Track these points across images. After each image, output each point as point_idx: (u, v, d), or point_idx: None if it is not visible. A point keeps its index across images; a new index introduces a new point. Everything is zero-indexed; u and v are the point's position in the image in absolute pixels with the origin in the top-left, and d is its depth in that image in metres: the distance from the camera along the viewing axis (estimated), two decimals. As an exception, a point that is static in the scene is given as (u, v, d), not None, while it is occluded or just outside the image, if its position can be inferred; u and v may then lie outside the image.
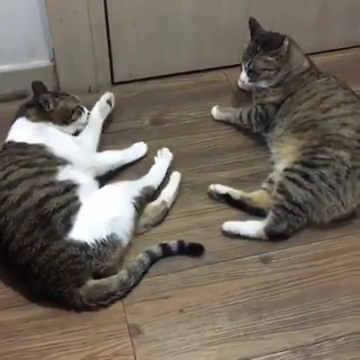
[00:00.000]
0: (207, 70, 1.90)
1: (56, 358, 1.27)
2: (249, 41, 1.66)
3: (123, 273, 1.35)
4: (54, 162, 1.41)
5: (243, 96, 1.80)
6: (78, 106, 1.61)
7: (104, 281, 1.33)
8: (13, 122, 1.55)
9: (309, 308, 1.34)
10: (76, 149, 1.51)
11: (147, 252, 1.39)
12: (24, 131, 1.51)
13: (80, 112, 1.60)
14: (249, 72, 1.65)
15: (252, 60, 1.63)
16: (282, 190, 1.46)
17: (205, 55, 1.88)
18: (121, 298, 1.34)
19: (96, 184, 1.48)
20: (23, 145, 1.46)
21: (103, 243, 1.32)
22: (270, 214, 1.46)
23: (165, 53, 1.85)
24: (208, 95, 1.83)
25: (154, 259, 1.39)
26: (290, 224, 1.45)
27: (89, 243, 1.31)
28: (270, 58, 1.62)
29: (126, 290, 1.34)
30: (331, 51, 1.94)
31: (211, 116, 1.77)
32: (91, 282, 1.32)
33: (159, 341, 1.29)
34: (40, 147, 1.45)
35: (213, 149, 1.69)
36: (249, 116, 1.68)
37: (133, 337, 1.30)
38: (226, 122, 1.75)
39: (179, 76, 1.88)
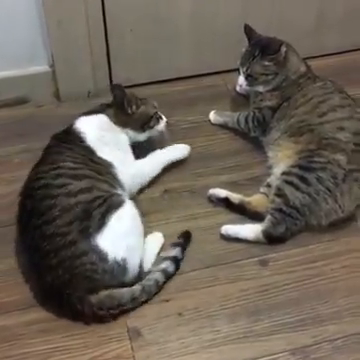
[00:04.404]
0: (205, 75, 1.91)
1: (57, 361, 1.28)
2: (247, 46, 1.68)
3: (136, 289, 1.33)
4: (115, 180, 1.44)
5: (241, 100, 1.82)
6: (156, 112, 1.59)
7: (116, 292, 1.31)
8: (89, 114, 1.54)
9: (307, 310, 1.36)
10: (131, 170, 1.52)
11: (163, 271, 1.37)
12: (101, 130, 1.50)
13: (158, 119, 1.59)
14: (247, 77, 1.67)
15: (250, 65, 1.65)
16: (280, 193, 1.47)
17: (203, 60, 1.89)
18: (130, 310, 1.33)
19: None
20: (89, 149, 1.45)
21: (118, 263, 1.31)
22: (268, 217, 1.47)
23: (163, 58, 1.86)
24: (206, 100, 1.84)
25: (168, 277, 1.38)
26: (288, 227, 1.47)
27: (110, 256, 1.30)
28: (268, 63, 1.64)
29: (137, 304, 1.33)
30: (327, 55, 1.95)
31: (209, 120, 1.78)
32: (103, 292, 1.31)
33: (159, 344, 1.30)
34: (105, 161, 1.45)
35: (211, 153, 1.70)
36: (246, 120, 1.70)
37: (133, 340, 1.31)
38: (224, 126, 1.77)
39: (177, 81, 1.89)
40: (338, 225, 1.50)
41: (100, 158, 1.45)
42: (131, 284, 1.34)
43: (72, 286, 1.29)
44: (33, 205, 1.35)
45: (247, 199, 1.54)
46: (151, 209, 1.52)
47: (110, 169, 1.45)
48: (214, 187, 1.57)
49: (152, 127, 1.58)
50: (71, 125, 1.52)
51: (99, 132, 1.50)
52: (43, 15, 1.68)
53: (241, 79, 1.69)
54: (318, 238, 1.49)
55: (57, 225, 1.30)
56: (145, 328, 1.33)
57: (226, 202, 1.55)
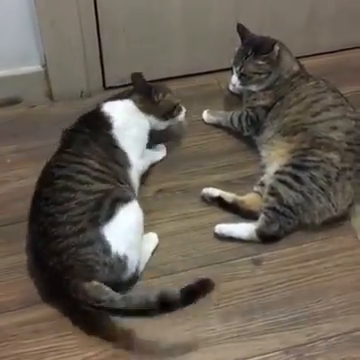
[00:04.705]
0: (198, 74, 1.91)
1: (50, 362, 1.28)
2: (240, 45, 1.68)
3: (117, 295, 1.26)
4: (130, 187, 1.46)
5: (234, 99, 1.82)
6: (178, 103, 1.63)
7: (102, 287, 1.29)
8: (116, 99, 1.56)
9: (301, 309, 1.36)
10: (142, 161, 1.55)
11: (161, 293, 1.23)
12: (128, 114, 1.52)
13: (180, 109, 1.63)
14: (240, 76, 1.67)
15: (243, 64, 1.65)
16: (273, 192, 1.47)
17: (196, 59, 1.89)
18: (108, 313, 1.30)
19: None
20: (113, 138, 1.46)
21: (119, 259, 1.31)
22: (262, 216, 1.47)
23: (156, 57, 1.86)
24: (199, 99, 1.84)
25: (165, 303, 1.22)
26: (281, 226, 1.47)
27: (113, 250, 1.30)
28: (261, 62, 1.64)
29: (114, 310, 1.26)
30: (319, 54, 1.95)
31: (202, 120, 1.78)
32: (95, 282, 1.29)
33: (152, 343, 1.30)
34: (123, 154, 1.46)
35: (205, 152, 1.70)
36: (240, 119, 1.70)
37: (127, 340, 1.30)
38: (217, 125, 1.76)
39: (170, 80, 1.88)
40: (331, 224, 1.50)
41: (120, 149, 1.46)
42: (126, 284, 1.34)
43: (72, 273, 1.28)
44: (51, 194, 1.35)
45: (240, 198, 1.54)
46: (144, 209, 1.50)
47: (127, 170, 1.46)
48: (207, 186, 1.57)
49: (174, 116, 1.62)
50: (98, 108, 1.53)
51: (126, 116, 1.52)
52: (35, 15, 1.67)
53: (234, 78, 1.69)
54: (311, 237, 1.49)
55: (70, 215, 1.31)
56: (139, 327, 1.32)
57: (219, 201, 1.55)
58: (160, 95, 1.57)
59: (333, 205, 1.48)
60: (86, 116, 1.53)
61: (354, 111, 1.58)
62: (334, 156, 1.48)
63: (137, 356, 1.29)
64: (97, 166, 1.40)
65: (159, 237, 1.48)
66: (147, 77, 1.87)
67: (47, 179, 1.40)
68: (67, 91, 1.79)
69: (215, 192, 1.56)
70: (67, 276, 1.29)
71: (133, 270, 1.35)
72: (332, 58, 1.95)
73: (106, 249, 1.30)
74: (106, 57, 1.82)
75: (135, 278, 1.37)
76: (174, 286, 1.37)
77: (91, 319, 1.32)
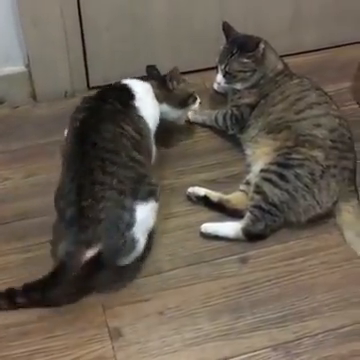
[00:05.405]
0: (183, 73, 1.89)
1: (38, 364, 1.27)
2: (225, 43, 1.69)
3: None
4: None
5: (219, 98, 1.82)
6: (194, 92, 1.65)
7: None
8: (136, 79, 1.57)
9: (288, 306, 1.36)
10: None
11: None
12: (146, 95, 1.54)
13: (195, 99, 1.65)
14: (225, 74, 1.67)
15: (228, 62, 1.65)
16: (259, 191, 1.48)
17: (181, 58, 1.88)
18: None
19: None
20: (136, 110, 1.46)
21: (133, 239, 1.31)
22: (247, 215, 1.48)
23: (140, 57, 1.85)
24: (184, 98, 1.84)
25: None
26: (267, 224, 1.47)
27: (134, 228, 1.30)
28: (246, 60, 1.64)
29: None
30: (304, 53, 1.96)
31: (188, 119, 1.78)
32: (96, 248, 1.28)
33: (140, 343, 1.30)
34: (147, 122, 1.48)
35: (190, 151, 1.70)
36: (224, 118, 1.70)
37: (114, 340, 1.30)
38: (202, 124, 1.77)
39: (155, 80, 1.89)
40: (316, 221, 1.51)
41: (144, 119, 1.47)
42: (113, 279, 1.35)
43: (96, 228, 1.27)
44: (99, 140, 1.34)
45: (226, 197, 1.54)
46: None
47: (150, 145, 1.48)
48: (194, 185, 1.57)
49: (188, 105, 1.64)
50: (118, 82, 1.55)
51: (145, 94, 1.54)
52: (18, 14, 1.66)
53: (219, 77, 1.69)
54: (297, 234, 1.50)
55: (118, 171, 1.31)
56: (126, 328, 1.32)
57: (205, 200, 1.55)
58: (174, 83, 1.60)
59: (318, 202, 1.49)
60: (105, 90, 1.54)
61: (338, 109, 1.60)
62: (318, 154, 1.49)
63: (124, 356, 1.28)
64: (134, 134, 1.40)
65: (146, 236, 1.48)
66: (131, 76, 1.87)
67: (92, 127, 1.37)
68: (51, 91, 1.78)
69: (201, 191, 1.56)
70: (91, 229, 1.27)
71: (136, 255, 1.35)
72: (316, 56, 1.96)
73: (130, 224, 1.30)
74: (90, 57, 1.81)
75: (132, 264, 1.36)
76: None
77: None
